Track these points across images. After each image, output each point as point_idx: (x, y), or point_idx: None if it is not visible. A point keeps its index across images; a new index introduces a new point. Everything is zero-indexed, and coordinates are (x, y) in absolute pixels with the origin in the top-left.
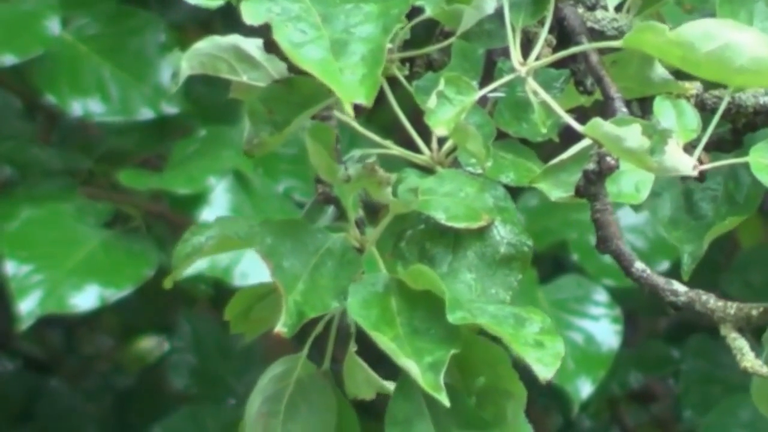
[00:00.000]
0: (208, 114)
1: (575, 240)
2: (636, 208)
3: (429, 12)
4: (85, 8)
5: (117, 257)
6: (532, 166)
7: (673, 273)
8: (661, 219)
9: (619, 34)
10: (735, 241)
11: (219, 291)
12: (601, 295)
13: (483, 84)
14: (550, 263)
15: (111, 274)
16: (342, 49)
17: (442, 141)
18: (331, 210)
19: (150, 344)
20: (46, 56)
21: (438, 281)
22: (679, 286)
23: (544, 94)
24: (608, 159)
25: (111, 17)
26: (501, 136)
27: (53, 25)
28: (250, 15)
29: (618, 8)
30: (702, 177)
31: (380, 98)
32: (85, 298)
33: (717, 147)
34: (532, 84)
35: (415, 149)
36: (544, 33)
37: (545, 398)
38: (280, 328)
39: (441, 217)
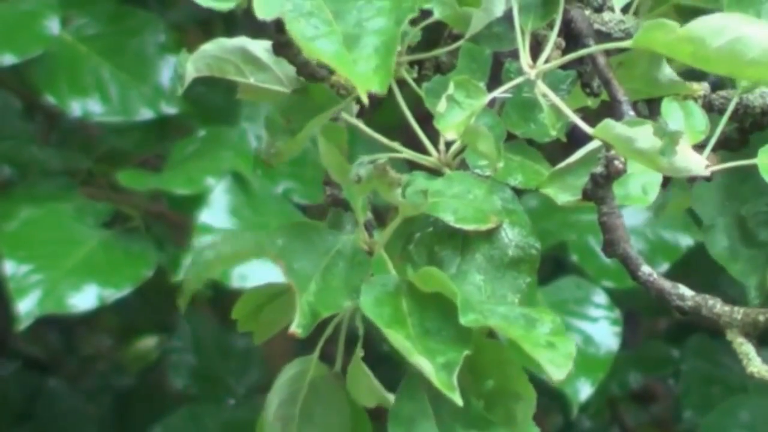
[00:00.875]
0: (208, 114)
1: (575, 241)
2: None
3: (438, 15)
4: (84, 8)
5: (116, 257)
6: (540, 168)
7: (673, 274)
8: (720, 253)
9: (626, 36)
10: None
11: (218, 291)
12: (601, 297)
13: (490, 85)
14: (549, 265)
15: (110, 274)
16: (354, 43)
17: (449, 143)
18: (349, 221)
19: (150, 344)
20: (46, 56)
21: (449, 283)
22: (685, 291)
23: (553, 97)
24: (616, 162)
25: (110, 17)
26: (508, 137)
27: (52, 25)
28: (262, 10)
29: (624, 10)
30: (711, 177)
31: (386, 100)
32: (84, 299)
33: (724, 146)
34: (542, 87)
35: (422, 151)
36: (553, 36)
37: (545, 398)
38: (294, 328)
39: (450, 219)
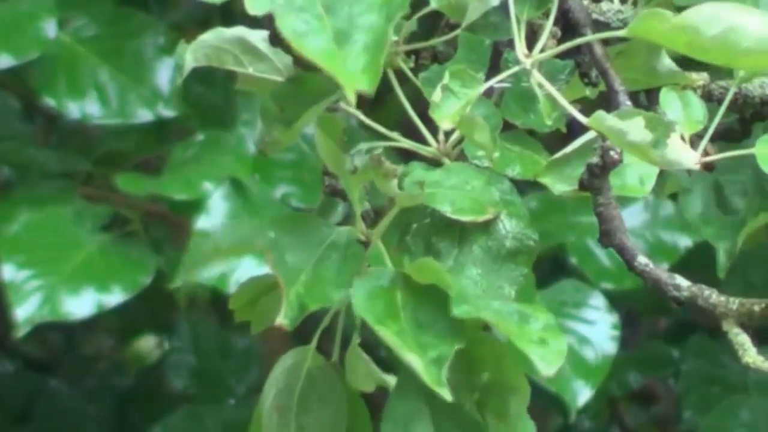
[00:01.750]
0: (207, 116)
1: (573, 243)
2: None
3: (434, 4)
4: (83, 10)
5: (114, 263)
6: (538, 158)
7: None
8: (693, 216)
9: (624, 26)
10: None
11: (218, 292)
12: (599, 300)
13: (490, 75)
14: (548, 266)
15: (108, 281)
16: (345, 39)
17: (448, 133)
18: (341, 207)
19: (150, 344)
20: (44, 58)
21: (444, 275)
22: (681, 281)
23: (549, 87)
24: (612, 153)
25: (109, 19)
26: (507, 127)
27: (50, 27)
28: (253, 5)
29: (623, 0)
30: (710, 168)
31: (386, 91)
32: (82, 306)
33: (725, 137)
34: (537, 76)
35: (422, 141)
36: (548, 25)
37: (545, 398)
38: (281, 320)
39: (447, 210)
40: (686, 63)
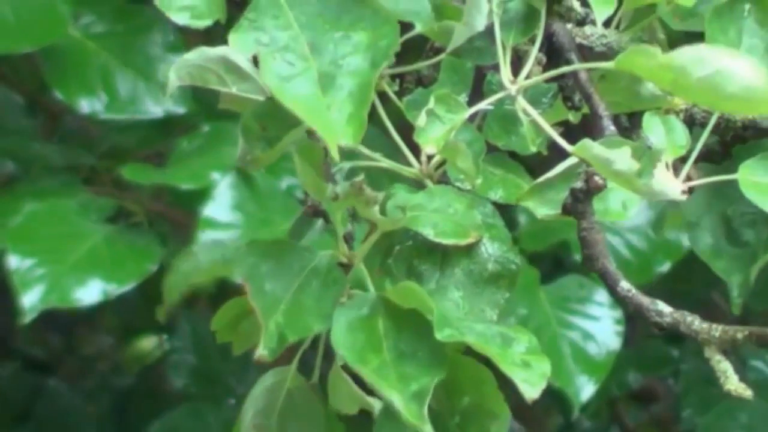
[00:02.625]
0: (212, 110)
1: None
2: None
3: (419, 28)
4: (92, 5)
5: (120, 252)
6: (521, 182)
7: (676, 273)
8: (703, 250)
9: (608, 50)
10: None
11: (219, 290)
12: (603, 296)
13: (472, 97)
14: (551, 263)
15: (114, 268)
16: (330, 83)
17: (431, 155)
18: (319, 222)
19: (150, 344)
20: (54, 52)
21: (426, 299)
22: (664, 307)
23: (533, 113)
24: (596, 178)
25: (119, 15)
26: (490, 149)
27: (66, 15)
28: (238, 46)
29: (607, 24)
30: (691, 192)
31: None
32: (88, 293)
33: (706, 158)
34: (522, 103)
35: (405, 162)
36: (534, 51)
37: (545, 398)
38: (261, 351)
39: (429, 233)
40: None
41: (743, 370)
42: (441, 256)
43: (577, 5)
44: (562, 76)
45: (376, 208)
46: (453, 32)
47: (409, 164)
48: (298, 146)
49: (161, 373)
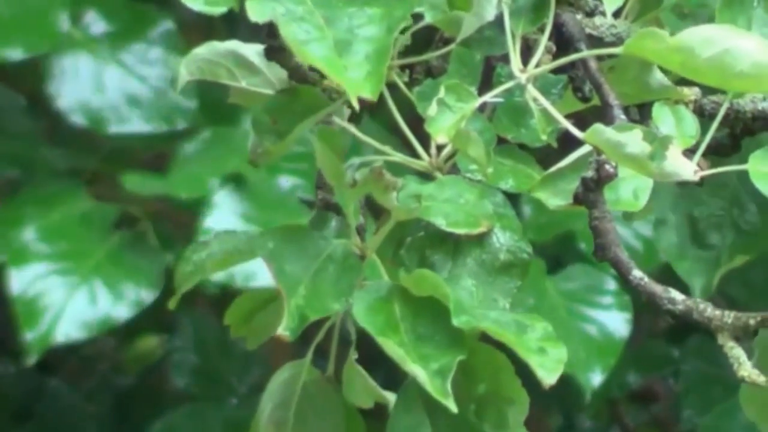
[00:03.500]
0: (213, 112)
1: (582, 230)
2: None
3: (429, 19)
4: (93, 6)
5: (123, 273)
6: (531, 172)
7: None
8: (667, 249)
9: (618, 40)
10: None
11: (221, 291)
12: (610, 284)
13: (481, 89)
14: (556, 254)
15: (117, 293)
16: (346, 49)
17: (441, 147)
18: (334, 221)
19: (151, 344)
20: (55, 53)
21: (442, 285)
22: (676, 295)
23: (544, 102)
24: (607, 167)
25: (120, 15)
26: (499, 141)
27: (62, 21)
28: (255, 13)
29: (616, 14)
30: (701, 182)
31: (380, 103)
32: (91, 320)
33: (715, 152)
34: (532, 91)
35: (414, 154)
36: (544, 40)
37: (545, 398)
38: (282, 331)
39: (441, 223)
40: (678, 77)
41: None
42: (453, 245)
43: None
44: (572, 66)
45: (394, 194)
46: (462, 22)
47: (418, 157)
48: (318, 132)
49: (162, 372)
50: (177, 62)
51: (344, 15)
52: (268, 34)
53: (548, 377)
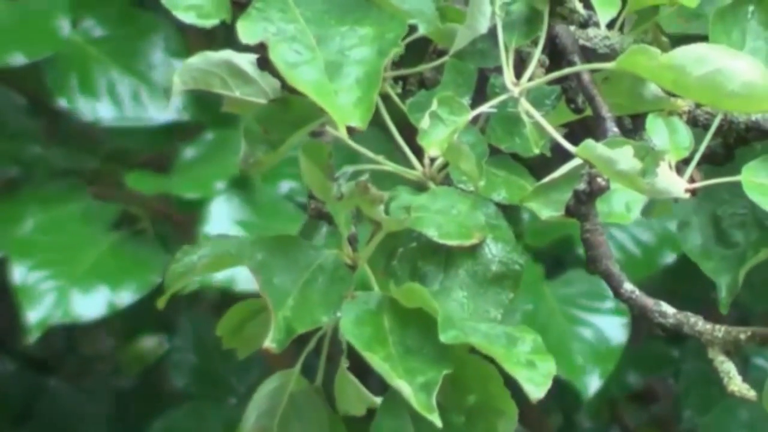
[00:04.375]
0: (215, 114)
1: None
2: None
3: (422, 31)
4: (93, 10)
5: (125, 264)
6: (524, 183)
7: (680, 266)
8: (692, 250)
9: (611, 51)
10: None
11: (222, 292)
12: (608, 290)
13: (476, 100)
14: (555, 259)
15: (119, 281)
16: (337, 71)
17: (434, 157)
18: (325, 228)
19: (150, 344)
20: (56, 58)
21: (430, 300)
22: (667, 308)
23: (536, 115)
24: (599, 179)
25: (120, 20)
26: (493, 151)
27: (63, 26)
28: (246, 34)
29: (610, 25)
30: (694, 194)
31: (377, 110)
32: (94, 307)
33: (709, 160)
34: (525, 105)
35: (408, 164)
36: (536, 54)
37: (545, 398)
38: (269, 343)
39: (433, 234)
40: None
41: (745, 368)
42: (445, 257)
43: (579, 7)
44: (565, 78)
45: (381, 207)
46: (456, 35)
47: (412, 167)
48: (304, 146)
49: (162, 373)
50: (171, 72)
51: (336, 34)
52: (261, 44)
53: (536, 392)
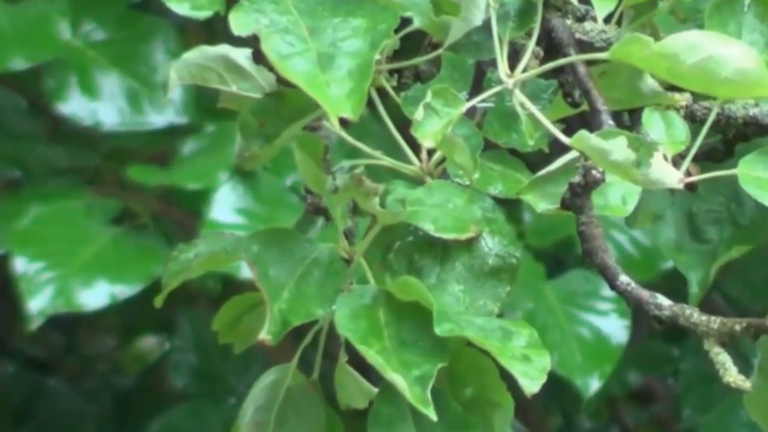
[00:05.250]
0: (215, 115)
1: None
2: (636, 228)
3: (417, 23)
4: (92, 14)
5: (126, 254)
6: (520, 177)
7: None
8: (665, 243)
9: (608, 45)
10: None
11: (221, 290)
12: (608, 290)
13: (472, 94)
14: (556, 259)
15: (121, 271)
16: (329, 63)
17: (431, 151)
18: (321, 221)
19: (150, 344)
20: (55, 62)
21: (426, 293)
22: (663, 300)
23: (531, 107)
24: (594, 172)
25: (119, 23)
26: (490, 146)
27: (63, 29)
28: (238, 26)
29: (607, 20)
30: (691, 188)
31: (370, 108)
32: (95, 296)
33: (708, 157)
34: (519, 96)
35: (405, 159)
36: (531, 45)
37: (545, 398)
38: (264, 335)
39: (429, 228)
40: (670, 83)
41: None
42: (441, 250)
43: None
44: (561, 71)
45: (377, 200)
46: (450, 27)
47: (408, 161)
48: (298, 139)
49: (162, 372)
50: (167, 67)
51: (328, 26)
52: (255, 39)
53: (531, 386)
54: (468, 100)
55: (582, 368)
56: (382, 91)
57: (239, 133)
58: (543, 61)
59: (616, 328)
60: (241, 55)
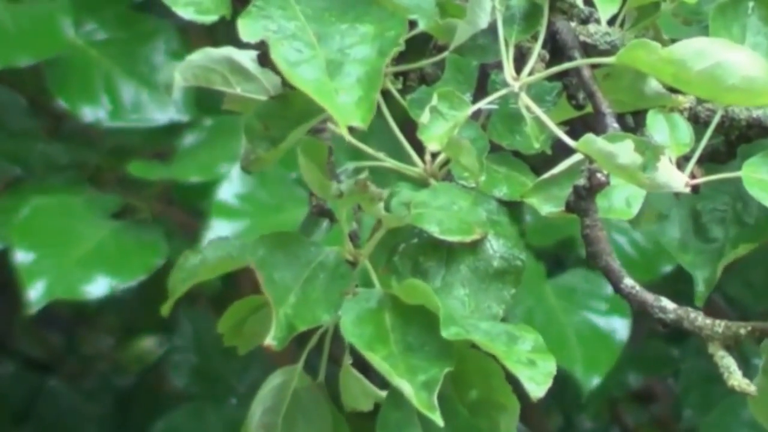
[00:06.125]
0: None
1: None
2: (637, 227)
3: (422, 26)
4: (94, 13)
5: (127, 246)
6: (525, 180)
7: (677, 273)
8: (670, 242)
9: (612, 48)
10: None
11: (221, 290)
12: (608, 289)
13: (477, 96)
14: (556, 259)
15: (121, 262)
16: (337, 70)
17: (435, 153)
18: (326, 223)
19: (150, 344)
20: (57, 61)
21: (432, 296)
22: (667, 303)
23: (537, 110)
24: (598, 175)
25: (121, 22)
26: (494, 148)
27: (67, 28)
28: (247, 32)
29: (611, 22)
30: (696, 189)
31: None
32: (95, 286)
33: (711, 158)
34: (525, 99)
35: (409, 161)
36: (537, 48)
37: (546, 398)
38: (270, 341)
39: (434, 230)
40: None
41: (746, 369)
42: (446, 253)
43: (579, 2)
44: (566, 74)
45: (381, 204)
46: (456, 30)
47: (413, 164)
48: (302, 145)
49: (162, 372)
50: (171, 68)
51: (336, 32)
52: (262, 41)
53: (537, 390)
54: (473, 102)
55: (582, 367)
56: (385, 93)
57: (244, 137)
58: (548, 64)
59: (615, 327)
60: (246, 58)
